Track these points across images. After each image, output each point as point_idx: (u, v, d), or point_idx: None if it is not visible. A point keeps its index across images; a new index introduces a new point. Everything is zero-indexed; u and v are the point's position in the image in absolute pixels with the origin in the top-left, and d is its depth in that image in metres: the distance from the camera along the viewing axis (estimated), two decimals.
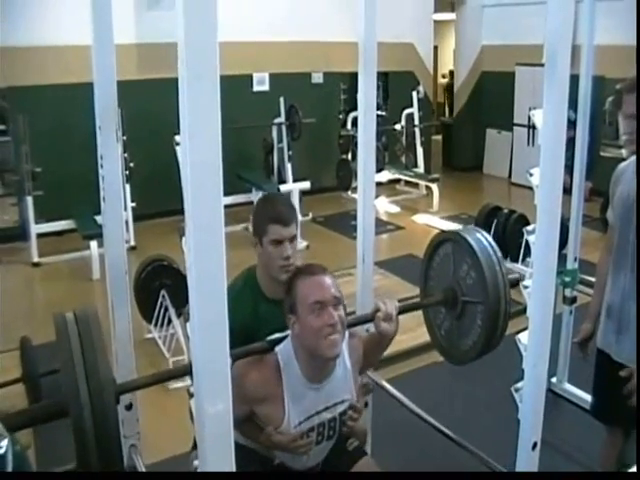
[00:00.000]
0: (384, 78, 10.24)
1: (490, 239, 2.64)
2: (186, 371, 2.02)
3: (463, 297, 2.65)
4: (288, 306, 2.29)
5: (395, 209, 9.94)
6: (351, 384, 2.43)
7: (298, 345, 2.29)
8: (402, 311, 2.55)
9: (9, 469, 1.41)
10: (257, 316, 2.54)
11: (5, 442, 1.41)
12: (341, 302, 2.27)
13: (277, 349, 2.33)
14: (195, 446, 1.68)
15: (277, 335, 2.39)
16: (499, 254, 2.60)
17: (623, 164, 2.90)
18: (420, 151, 10.95)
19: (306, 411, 2.31)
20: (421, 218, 9.29)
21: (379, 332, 2.48)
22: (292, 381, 2.29)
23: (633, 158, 2.77)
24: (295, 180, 8.70)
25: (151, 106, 8.18)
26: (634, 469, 2.08)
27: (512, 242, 6.46)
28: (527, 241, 2.53)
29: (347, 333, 2.45)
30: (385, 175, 10.48)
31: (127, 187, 7.70)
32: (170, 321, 4.94)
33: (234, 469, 1.64)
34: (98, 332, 1.92)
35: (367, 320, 2.60)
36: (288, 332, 2.35)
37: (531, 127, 10.16)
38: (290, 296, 2.28)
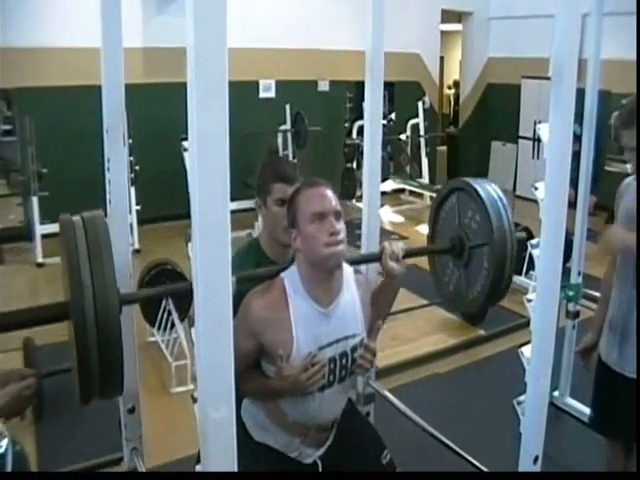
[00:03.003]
0: (390, 88, 10.24)
1: (496, 186, 2.66)
2: (187, 289, 1.83)
3: (470, 243, 2.66)
4: (290, 221, 2.26)
5: (399, 219, 9.94)
6: (361, 318, 2.36)
7: (302, 261, 2.25)
8: (408, 254, 2.52)
9: (8, 468, 1.42)
10: None
11: (5, 442, 1.43)
12: (342, 216, 2.24)
13: (283, 274, 2.29)
14: (199, 459, 1.68)
15: None
16: (504, 200, 2.61)
17: (628, 179, 2.93)
18: (425, 161, 10.96)
19: (316, 341, 2.23)
20: (425, 229, 9.21)
21: (386, 272, 2.45)
22: (299, 301, 2.22)
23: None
24: None
25: (157, 110, 8.21)
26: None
27: (516, 255, 6.43)
28: (531, 254, 2.53)
29: (352, 269, 2.43)
30: (390, 185, 10.50)
31: (132, 190, 7.70)
32: (173, 325, 4.94)
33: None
34: (105, 236, 1.87)
35: (374, 259, 2.58)
36: None
37: (536, 140, 10.16)
38: (291, 210, 2.25)
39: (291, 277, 2.27)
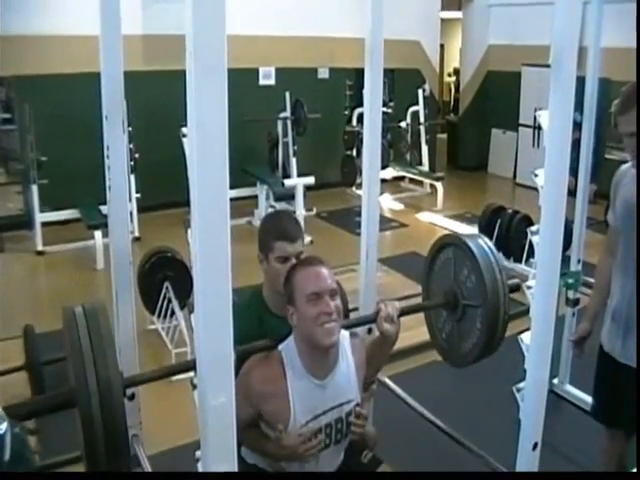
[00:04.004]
0: (390, 75, 10.23)
1: (491, 245, 2.66)
2: (190, 366, 2.08)
3: (464, 300, 2.66)
4: (287, 298, 2.30)
5: (399, 206, 9.92)
6: (355, 383, 2.42)
7: (298, 337, 2.30)
8: (403, 313, 2.55)
9: (7, 451, 1.42)
10: (263, 331, 2.51)
11: (4, 424, 1.42)
12: (337, 293, 2.28)
13: (281, 346, 2.34)
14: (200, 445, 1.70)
15: None
16: (500, 261, 2.62)
17: (624, 166, 2.86)
18: (425, 149, 10.93)
19: (312, 410, 2.31)
20: (425, 216, 9.28)
21: (381, 332, 2.50)
22: (296, 376, 2.29)
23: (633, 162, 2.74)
24: (299, 175, 8.72)
25: (156, 98, 8.19)
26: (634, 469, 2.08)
27: (516, 242, 6.45)
28: (531, 242, 2.53)
29: (348, 333, 2.48)
30: (389, 172, 10.48)
31: (132, 178, 7.69)
32: (173, 313, 4.94)
33: (236, 461, 1.65)
34: (107, 327, 1.96)
35: (369, 321, 2.62)
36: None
37: (536, 128, 10.13)
38: (288, 287, 2.30)
39: (288, 351, 2.33)
